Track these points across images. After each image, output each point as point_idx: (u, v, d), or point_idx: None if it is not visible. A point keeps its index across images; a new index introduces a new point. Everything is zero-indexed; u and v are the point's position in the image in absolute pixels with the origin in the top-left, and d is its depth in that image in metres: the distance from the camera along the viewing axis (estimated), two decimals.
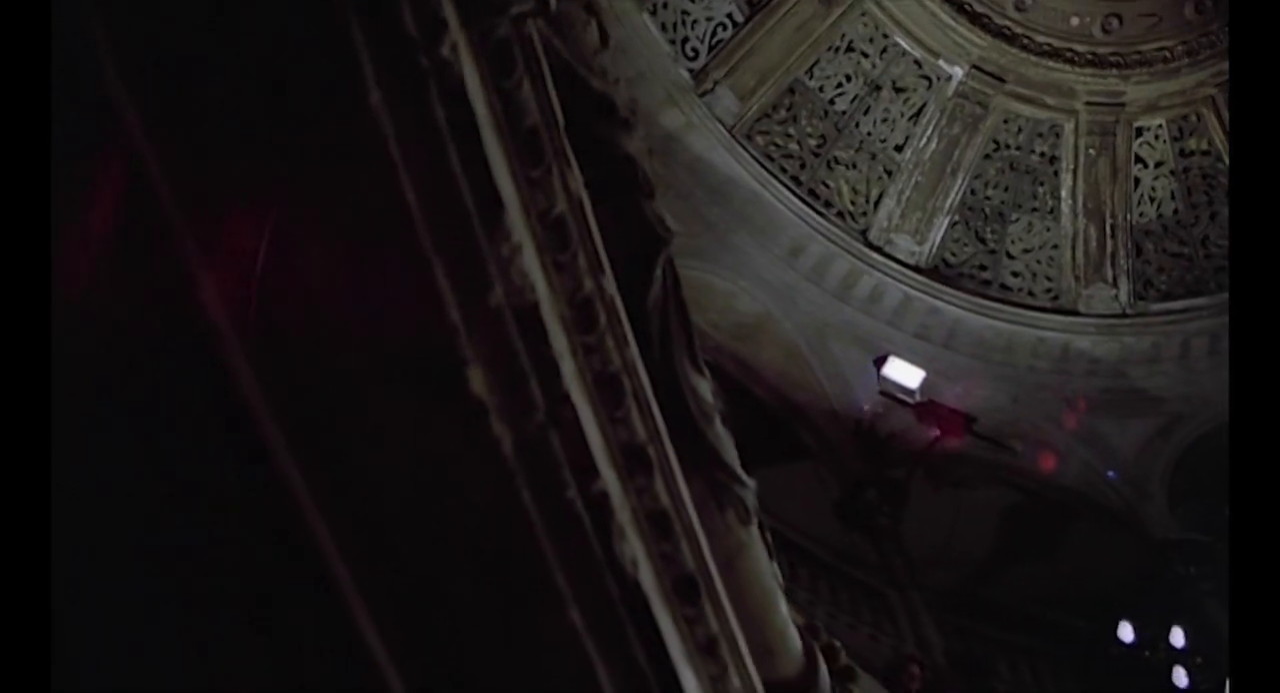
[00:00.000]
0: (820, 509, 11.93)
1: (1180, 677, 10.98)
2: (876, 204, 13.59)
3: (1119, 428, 13.69)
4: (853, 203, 13.63)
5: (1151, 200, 14.07)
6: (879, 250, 13.40)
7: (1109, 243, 14.12)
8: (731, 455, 2.22)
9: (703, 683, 1.99)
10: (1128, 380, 13.84)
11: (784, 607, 2.35)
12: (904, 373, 12.09)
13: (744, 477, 2.23)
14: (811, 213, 13.13)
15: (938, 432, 12.13)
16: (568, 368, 1.73)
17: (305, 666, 1.91)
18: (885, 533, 12.06)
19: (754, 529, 2.28)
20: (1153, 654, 11.11)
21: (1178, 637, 11.28)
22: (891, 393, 12.03)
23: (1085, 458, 13.53)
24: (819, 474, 12.31)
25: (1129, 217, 14.09)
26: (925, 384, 12.17)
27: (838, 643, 2.52)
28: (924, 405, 12.02)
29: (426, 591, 1.78)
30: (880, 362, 12.07)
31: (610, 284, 1.87)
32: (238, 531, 1.61)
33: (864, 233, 13.45)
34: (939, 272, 13.73)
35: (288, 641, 1.88)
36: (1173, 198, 14.02)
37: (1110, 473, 12.92)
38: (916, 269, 13.51)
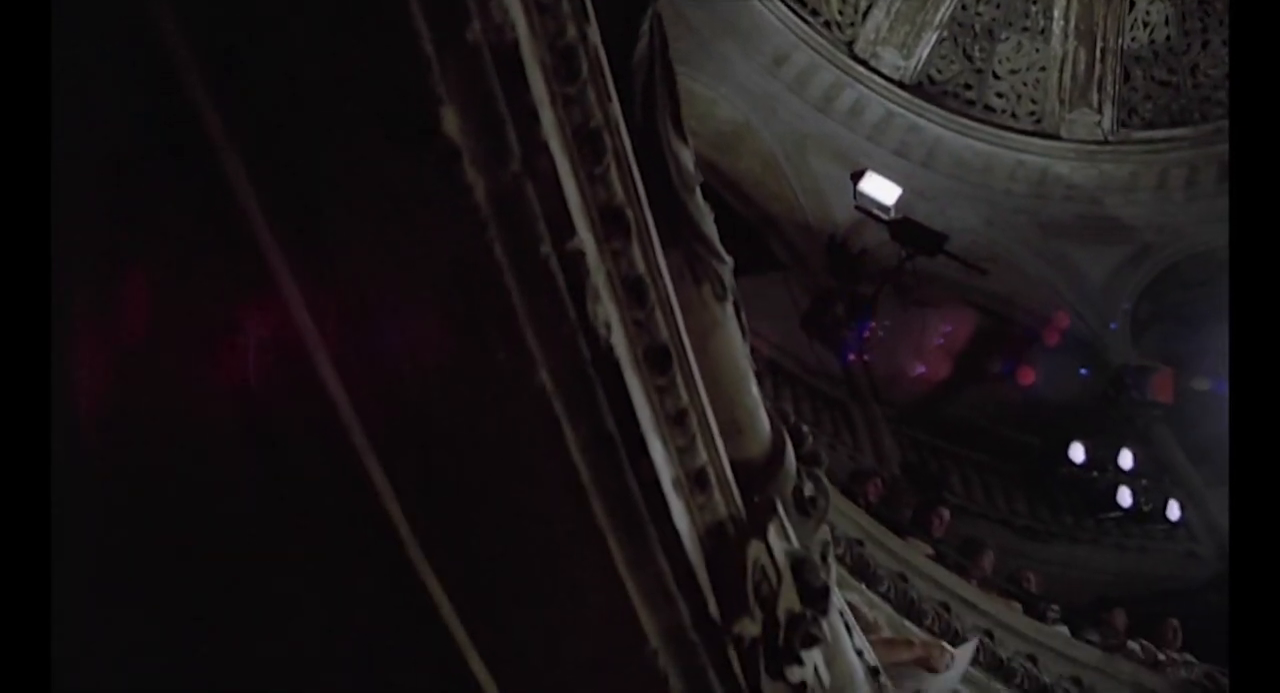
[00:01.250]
0: (788, 322, 12.00)
1: (1125, 497, 11.33)
2: (865, 15, 13.22)
3: (1090, 255, 13.74)
4: (840, 13, 13.26)
5: (1145, 25, 13.76)
6: (864, 63, 13.11)
7: (1098, 67, 13.87)
8: (711, 229, 2.16)
9: (670, 454, 1.97)
10: (1103, 208, 13.82)
11: (754, 388, 2.33)
12: (880, 189, 11.98)
13: (722, 252, 2.17)
14: (798, 21, 12.78)
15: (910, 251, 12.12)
16: (547, 118, 1.64)
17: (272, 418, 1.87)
18: (851, 346, 12.18)
19: (729, 307, 2.23)
20: (1101, 475, 11.43)
21: (1126, 459, 11.59)
22: (867, 208, 11.95)
23: (1054, 284, 13.61)
24: (788, 287, 12.33)
25: (1120, 41, 13.80)
26: (901, 202, 12.08)
27: (806, 428, 2.51)
28: (898, 223, 11.96)
29: (391, 342, 1.73)
30: (857, 176, 11.94)
31: (595, 34, 1.75)
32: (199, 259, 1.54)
33: (850, 45, 13.14)
34: (923, 88, 13.49)
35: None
36: (1166, 23, 13.72)
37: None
38: (900, 85, 13.27)
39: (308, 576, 1.96)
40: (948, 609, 7.92)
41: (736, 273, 2.34)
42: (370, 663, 1.99)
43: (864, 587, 7.13)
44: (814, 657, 2.28)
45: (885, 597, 7.44)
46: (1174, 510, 11.45)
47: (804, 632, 2.20)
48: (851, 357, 11.57)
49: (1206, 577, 11.84)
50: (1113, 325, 13.40)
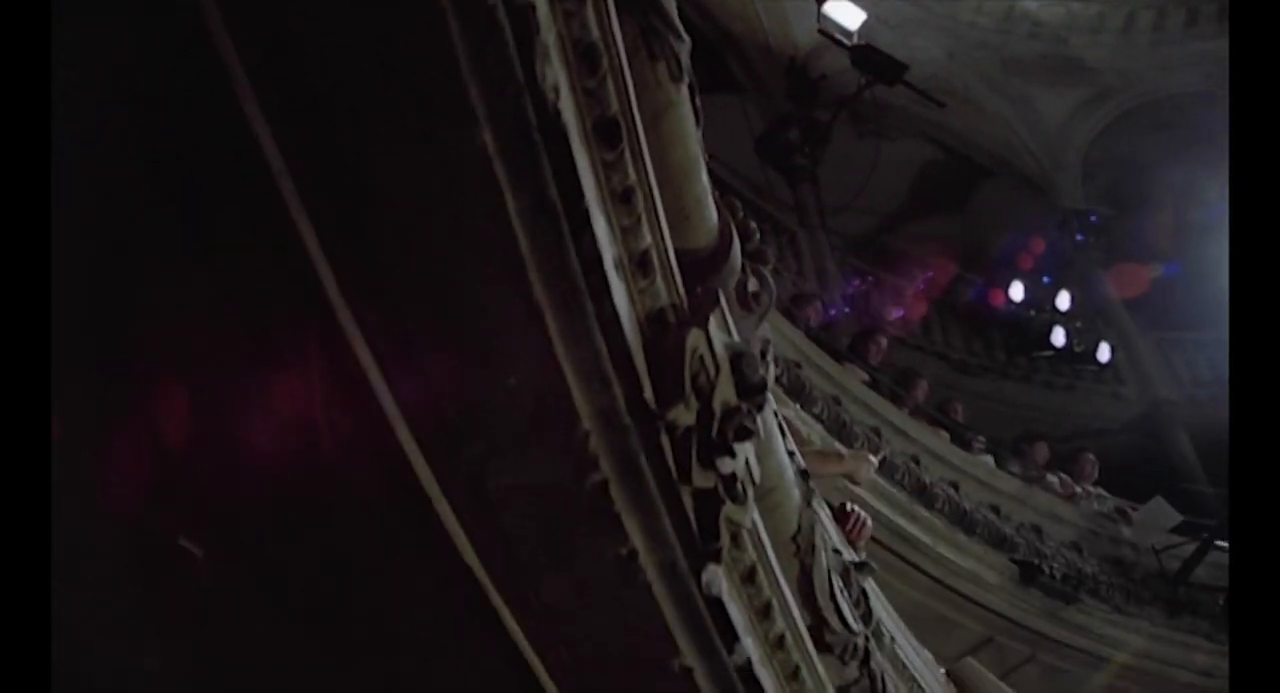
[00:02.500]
0: (741, 144, 11.84)
1: (1058, 336, 11.52)
2: None
3: (1049, 95, 13.60)
4: None
5: None
6: None
7: None
8: (670, 4, 2.05)
9: (613, 232, 1.91)
10: (1066, 48, 13.61)
11: (705, 177, 2.26)
12: (845, 13, 11.67)
13: (681, 30, 2.07)
14: None
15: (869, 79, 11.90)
16: None
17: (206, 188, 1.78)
18: (802, 174, 12.08)
19: (684, 89, 2.14)
20: (1038, 314, 11.58)
21: (1063, 300, 11.73)
22: (829, 33, 11.66)
23: (1011, 122, 13.49)
24: (744, 109, 12.11)
25: None
26: (864, 28, 11.80)
27: (754, 225, 2.46)
28: (860, 49, 11.70)
29: (331, 100, 1.63)
30: None
31: None
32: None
33: None
34: None
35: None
36: None
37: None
38: None
39: (234, 338, 1.90)
40: (878, 434, 8.09)
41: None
42: (303, 430, 1.96)
43: (799, 407, 7.21)
44: (746, 450, 2.28)
45: (818, 418, 7.56)
46: (1104, 353, 11.66)
47: (738, 424, 2.20)
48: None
49: (1128, 418, 12.18)
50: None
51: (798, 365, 7.94)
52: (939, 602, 7.91)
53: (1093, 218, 13.14)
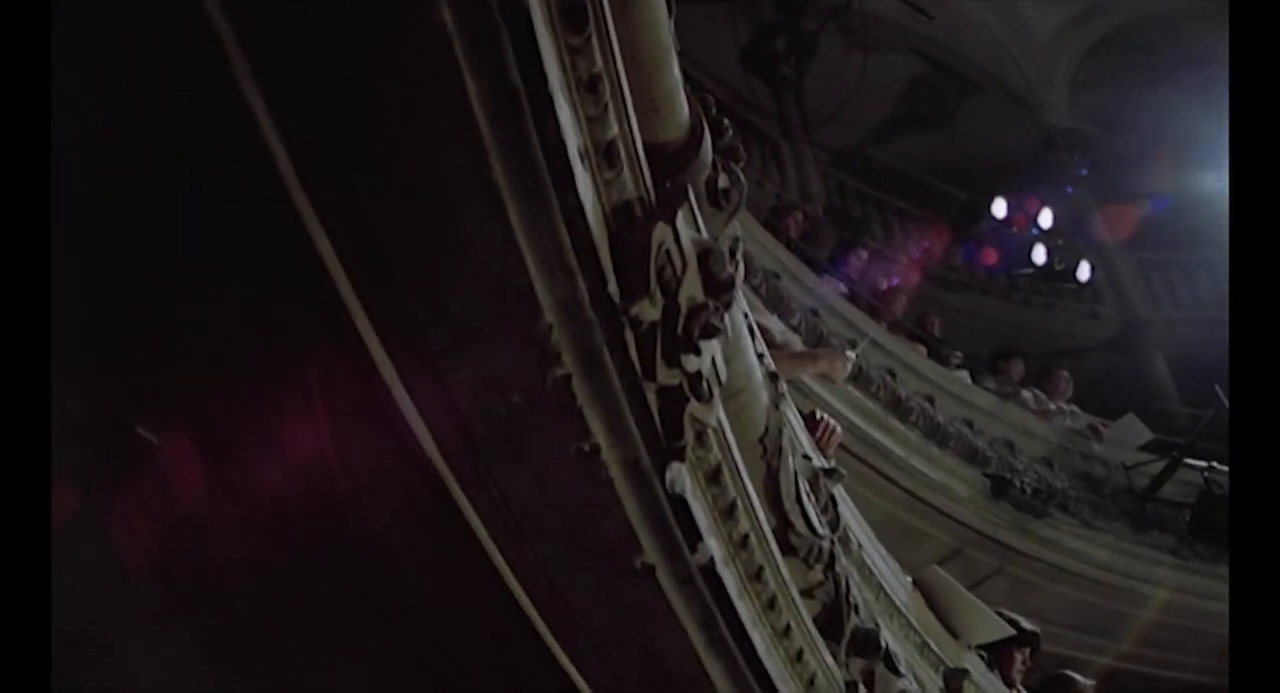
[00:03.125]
0: (726, 52, 11.65)
1: (1039, 254, 11.49)
2: None
3: (1038, 9, 13.41)
4: None
5: None
6: None
7: None
8: None
9: (579, 120, 1.86)
10: None
11: (676, 69, 2.20)
12: None
13: None
14: None
15: None
16: None
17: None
18: (787, 84, 11.92)
19: None
20: (1020, 231, 11.54)
21: (1046, 218, 11.68)
22: None
23: (1000, 36, 13.32)
24: (730, 17, 11.90)
25: None
26: None
27: (727, 121, 2.41)
28: None
29: None
30: None
31: None
32: None
33: None
34: None
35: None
36: None
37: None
38: None
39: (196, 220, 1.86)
40: (855, 347, 8.08)
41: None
42: (256, 312, 1.93)
43: (776, 318, 7.19)
44: (712, 349, 2.26)
45: (796, 330, 7.52)
46: (1084, 271, 11.65)
47: (704, 322, 2.17)
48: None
49: (1105, 337, 12.23)
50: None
51: (777, 276, 7.91)
52: (910, 514, 7.99)
53: (1079, 136, 13.05)
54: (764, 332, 4.48)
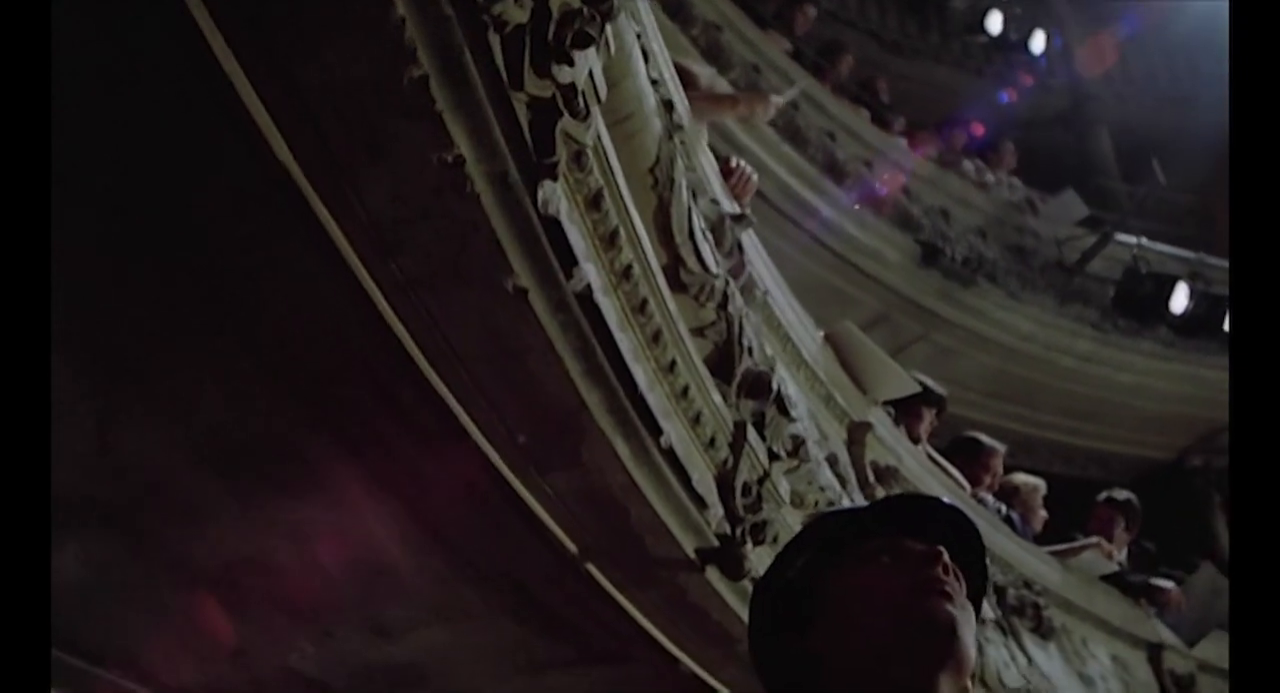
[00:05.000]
0: None
1: (995, 23, 11.19)
2: None
3: None
4: None
5: None
6: None
7: None
8: None
9: None
10: None
11: None
12: None
13: None
14: None
15: None
16: None
17: None
18: None
19: None
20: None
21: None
22: None
23: None
24: None
25: None
26: None
27: None
28: None
29: None
30: None
31: None
32: None
33: None
34: None
35: None
36: None
37: None
38: None
39: None
40: (795, 107, 7.88)
41: None
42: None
43: (715, 71, 6.96)
44: (589, 61, 2.13)
45: (735, 85, 7.32)
46: (1038, 43, 11.36)
47: (578, 29, 2.03)
48: None
49: (1055, 111, 12.05)
50: None
51: (718, 28, 7.62)
52: (838, 277, 7.99)
53: None
54: (687, 74, 4.31)
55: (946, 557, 1.25)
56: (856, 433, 4.70)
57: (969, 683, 1.26)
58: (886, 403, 5.07)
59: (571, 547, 3.00)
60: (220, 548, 3.06)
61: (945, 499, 1.36)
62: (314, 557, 3.05)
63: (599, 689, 3.62)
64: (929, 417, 5.61)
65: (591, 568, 3.08)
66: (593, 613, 3.26)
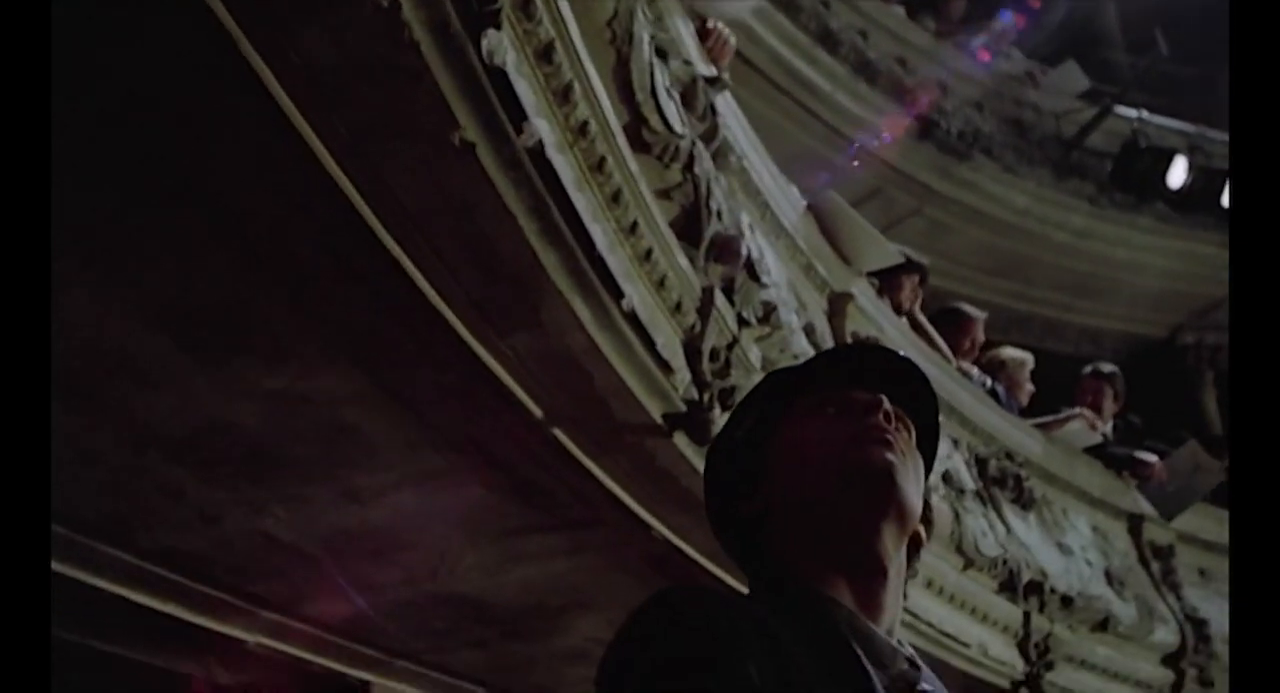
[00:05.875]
0: None
1: None
2: None
3: None
4: None
5: None
6: None
7: None
8: None
9: None
10: None
11: None
12: None
13: None
14: None
15: None
16: None
17: None
18: None
19: None
20: None
21: None
22: None
23: None
24: None
25: None
26: None
27: None
28: None
29: None
30: None
31: None
32: None
33: None
34: None
35: None
36: None
37: None
38: None
39: None
40: None
41: None
42: None
43: None
44: None
45: None
46: None
47: None
48: None
49: None
50: None
51: None
52: (831, 149, 7.86)
53: None
54: None
55: (888, 404, 1.21)
56: (838, 303, 4.65)
57: (922, 533, 1.23)
58: (869, 273, 5.02)
59: (537, 411, 2.98)
60: (185, 414, 3.05)
61: (900, 352, 1.31)
62: (279, 421, 3.04)
63: (571, 554, 3.65)
64: (911, 285, 5.56)
65: (558, 432, 3.07)
66: (562, 479, 3.27)
